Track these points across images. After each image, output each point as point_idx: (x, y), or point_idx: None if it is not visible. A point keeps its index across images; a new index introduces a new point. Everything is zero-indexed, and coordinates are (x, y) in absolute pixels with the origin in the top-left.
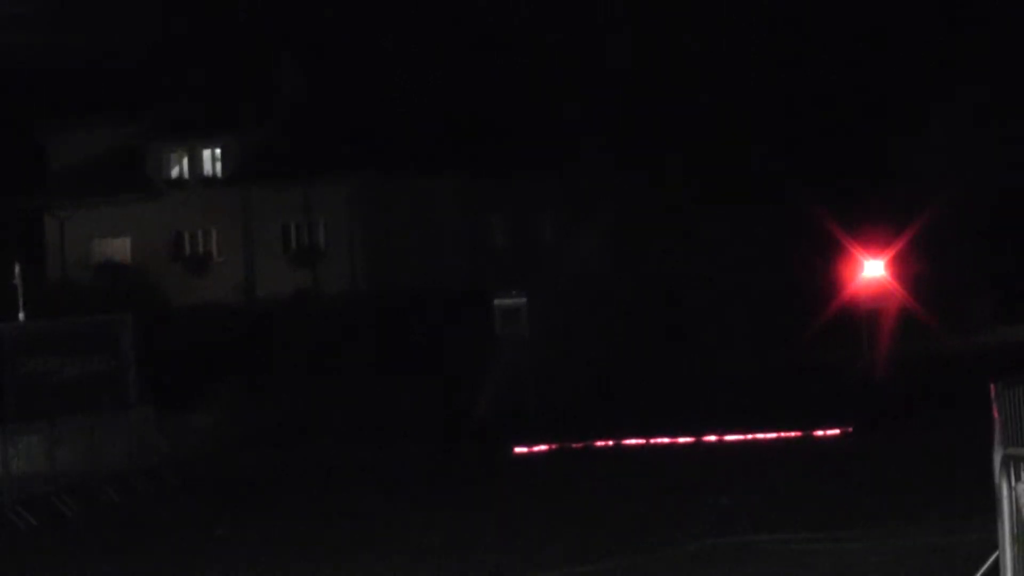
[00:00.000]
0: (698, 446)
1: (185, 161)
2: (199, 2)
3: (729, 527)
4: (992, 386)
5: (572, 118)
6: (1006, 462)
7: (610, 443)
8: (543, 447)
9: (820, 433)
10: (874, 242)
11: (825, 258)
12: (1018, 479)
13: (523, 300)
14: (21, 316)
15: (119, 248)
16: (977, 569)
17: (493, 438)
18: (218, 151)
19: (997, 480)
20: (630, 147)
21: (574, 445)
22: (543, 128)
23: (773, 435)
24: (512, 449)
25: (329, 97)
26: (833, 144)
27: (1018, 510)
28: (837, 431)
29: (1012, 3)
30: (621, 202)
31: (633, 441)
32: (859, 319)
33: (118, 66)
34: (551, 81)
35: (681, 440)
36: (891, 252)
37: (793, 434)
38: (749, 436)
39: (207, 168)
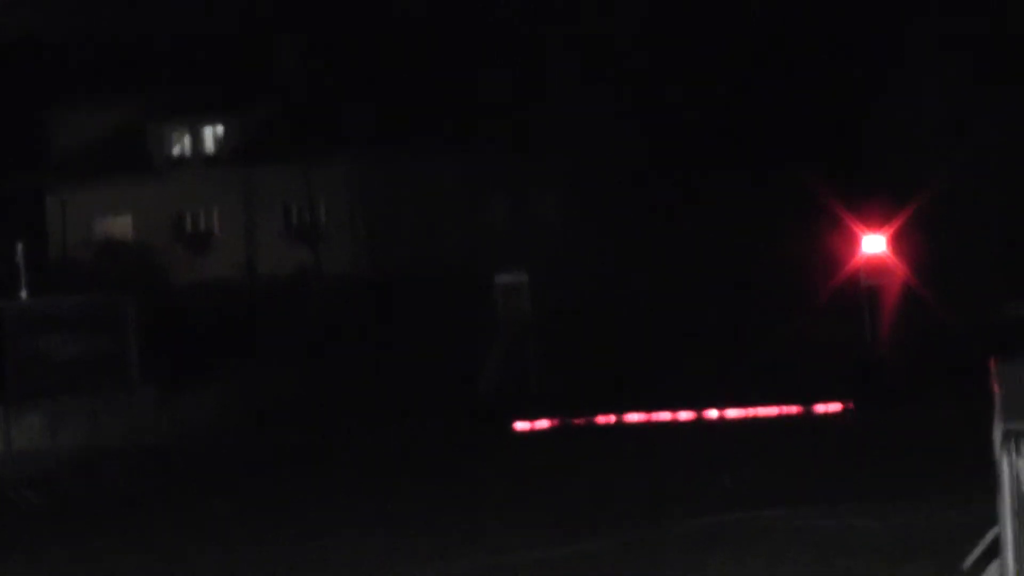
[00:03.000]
0: (699, 422)
1: (186, 140)
2: None
3: (731, 504)
4: (992, 361)
5: (573, 96)
6: (1007, 437)
7: (612, 419)
8: (544, 424)
9: (822, 409)
10: (875, 217)
11: (826, 232)
12: (1018, 454)
13: (524, 278)
14: (23, 295)
15: (120, 227)
16: (976, 544)
17: (494, 415)
18: (219, 130)
19: (997, 455)
20: (627, 124)
21: (576, 422)
22: (545, 106)
23: (775, 411)
24: (513, 426)
25: (330, 76)
26: (832, 116)
27: (1019, 485)
28: (839, 407)
29: None
30: (620, 179)
31: (634, 417)
32: (860, 294)
33: (119, 45)
34: (552, 59)
35: (682, 416)
36: (893, 227)
37: (794, 410)
38: (750, 412)
39: (208, 147)
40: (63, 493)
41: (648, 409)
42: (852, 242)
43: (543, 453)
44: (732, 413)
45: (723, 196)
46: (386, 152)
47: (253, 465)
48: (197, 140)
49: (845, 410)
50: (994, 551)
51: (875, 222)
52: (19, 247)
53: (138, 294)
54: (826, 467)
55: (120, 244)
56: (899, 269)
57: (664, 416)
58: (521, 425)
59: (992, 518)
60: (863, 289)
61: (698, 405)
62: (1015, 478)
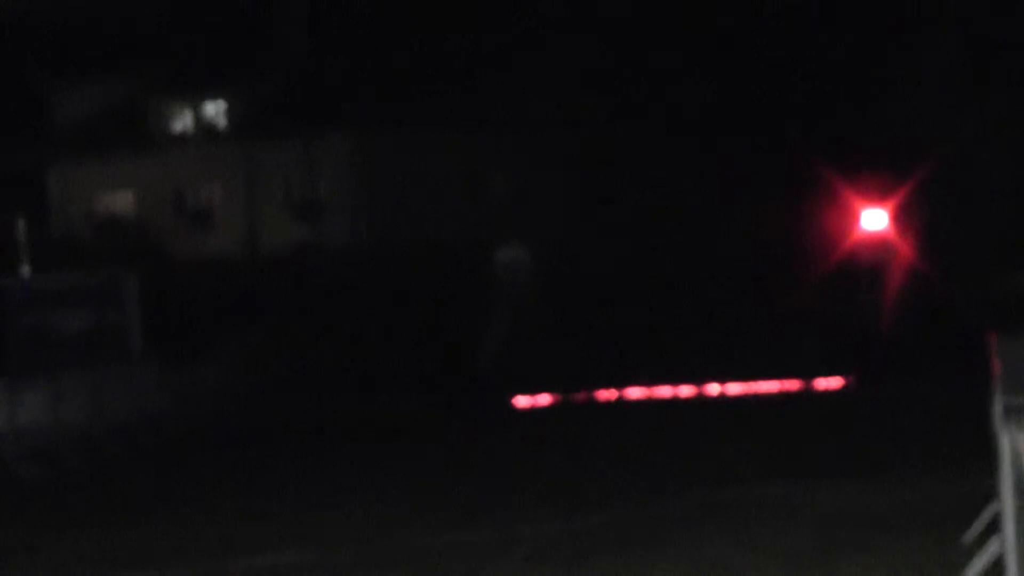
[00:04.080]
0: (700, 397)
1: (188, 115)
2: None
3: (731, 479)
4: (992, 336)
5: (575, 68)
6: (1006, 412)
7: (612, 395)
8: (544, 399)
9: (822, 384)
10: (876, 190)
11: (827, 206)
12: (1018, 429)
13: (525, 252)
14: (25, 271)
15: (122, 203)
16: (975, 518)
17: (494, 391)
18: (221, 104)
19: (997, 430)
20: (627, 97)
21: (576, 397)
22: (546, 79)
23: (775, 386)
24: (513, 401)
25: (331, 50)
26: (833, 89)
27: (1018, 460)
28: (839, 382)
29: None
30: (620, 152)
31: (635, 392)
32: (860, 269)
33: (121, 19)
34: (550, 33)
35: (683, 392)
36: (893, 200)
37: (794, 385)
38: (751, 387)
39: (210, 122)
40: (65, 468)
41: (649, 384)
42: (852, 217)
43: (544, 428)
44: (733, 388)
45: (724, 170)
46: (386, 126)
47: (254, 438)
48: (198, 115)
49: (845, 385)
50: (995, 526)
51: (875, 197)
52: (20, 223)
53: (140, 269)
54: (826, 442)
55: (122, 219)
56: (899, 244)
57: (665, 392)
58: (522, 400)
59: (992, 493)
60: (863, 263)
61: (699, 380)
62: (1014, 453)
